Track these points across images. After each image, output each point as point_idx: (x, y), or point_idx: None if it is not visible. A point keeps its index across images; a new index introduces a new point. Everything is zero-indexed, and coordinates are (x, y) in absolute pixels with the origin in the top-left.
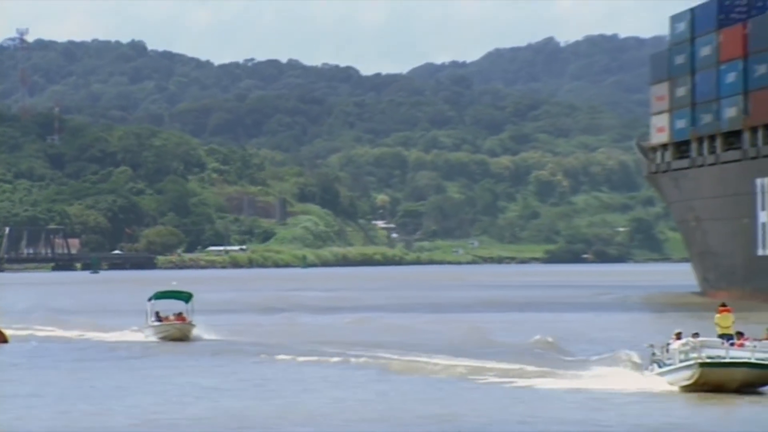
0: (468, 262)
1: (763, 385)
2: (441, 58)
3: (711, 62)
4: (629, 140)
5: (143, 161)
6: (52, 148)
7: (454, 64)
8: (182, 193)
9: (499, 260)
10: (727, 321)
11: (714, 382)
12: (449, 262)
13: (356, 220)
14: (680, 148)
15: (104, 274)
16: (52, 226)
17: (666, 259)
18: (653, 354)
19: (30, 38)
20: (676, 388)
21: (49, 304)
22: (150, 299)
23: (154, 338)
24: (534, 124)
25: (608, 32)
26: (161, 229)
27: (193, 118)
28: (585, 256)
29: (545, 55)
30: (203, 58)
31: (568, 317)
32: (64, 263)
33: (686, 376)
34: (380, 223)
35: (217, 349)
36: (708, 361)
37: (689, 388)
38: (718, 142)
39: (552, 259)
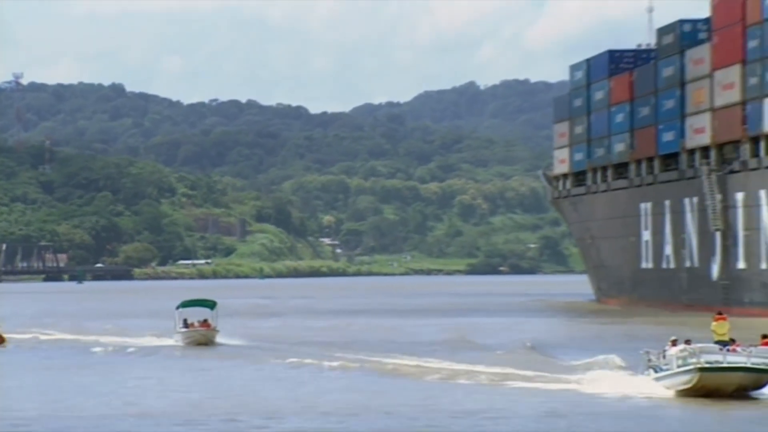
0: (402, 274)
1: (757, 388)
2: (378, 99)
3: (603, 105)
4: (538, 170)
5: (122, 187)
6: (44, 176)
7: (390, 104)
8: (156, 214)
9: (428, 272)
10: (723, 328)
11: (712, 386)
12: (385, 274)
13: (306, 238)
14: (578, 177)
15: (88, 285)
16: (43, 242)
17: (570, 271)
18: (649, 360)
19: (24, 81)
20: (671, 393)
21: (61, 311)
22: (177, 307)
23: (181, 343)
24: (458, 156)
25: (521, 77)
26: (137, 246)
27: (165, 150)
28: (501, 268)
29: (467, 96)
30: (174, 98)
31: (484, 320)
32: (53, 275)
33: (685, 381)
34: (326, 240)
35: (238, 352)
36: (707, 366)
37: (687, 392)
38: (609, 172)
39: (473, 271)
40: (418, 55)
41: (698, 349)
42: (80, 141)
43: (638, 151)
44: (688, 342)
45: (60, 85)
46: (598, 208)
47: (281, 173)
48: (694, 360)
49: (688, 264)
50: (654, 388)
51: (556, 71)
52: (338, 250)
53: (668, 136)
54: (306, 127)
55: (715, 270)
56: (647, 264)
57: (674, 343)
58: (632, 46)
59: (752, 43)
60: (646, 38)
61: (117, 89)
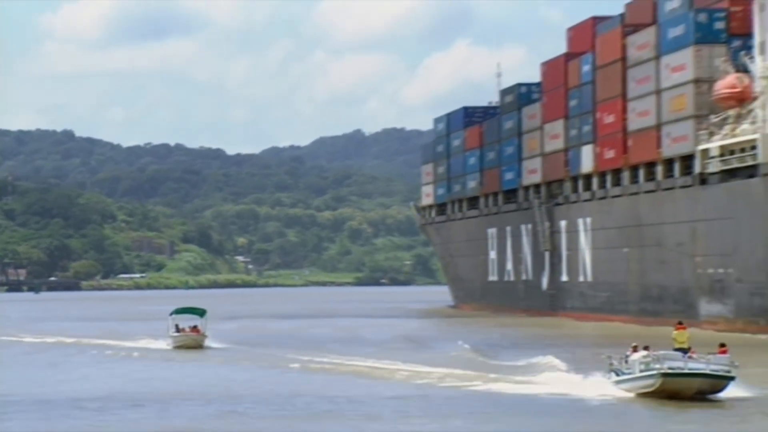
0: (302, 285)
1: (714, 393)
2: (283, 143)
3: (459, 150)
4: (410, 201)
5: (72, 214)
6: (7, 206)
7: (292, 147)
8: (100, 236)
9: (324, 284)
10: (683, 337)
11: (674, 390)
12: (289, 285)
13: (223, 256)
14: (440, 207)
15: (43, 294)
16: (6, 260)
17: (437, 282)
18: (611, 364)
19: None
20: (632, 395)
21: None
22: (171, 314)
23: (173, 346)
24: (347, 189)
25: (398, 126)
26: (85, 262)
27: (108, 184)
28: (382, 280)
29: (355, 141)
30: (115, 142)
31: (362, 321)
32: (14, 286)
33: (648, 384)
34: (240, 258)
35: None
36: (670, 371)
37: (649, 395)
38: (464, 204)
39: (359, 282)
40: (316, 108)
41: (661, 355)
42: (37, 177)
43: (486, 188)
44: (647, 348)
45: (21, 131)
46: (455, 233)
47: (203, 203)
48: (657, 366)
49: (524, 277)
50: (614, 390)
51: (426, 122)
52: (250, 266)
53: (509, 176)
54: (224, 165)
55: (545, 282)
56: (493, 277)
57: (635, 349)
58: (484, 103)
59: (573, 102)
60: (494, 97)
61: (68, 134)
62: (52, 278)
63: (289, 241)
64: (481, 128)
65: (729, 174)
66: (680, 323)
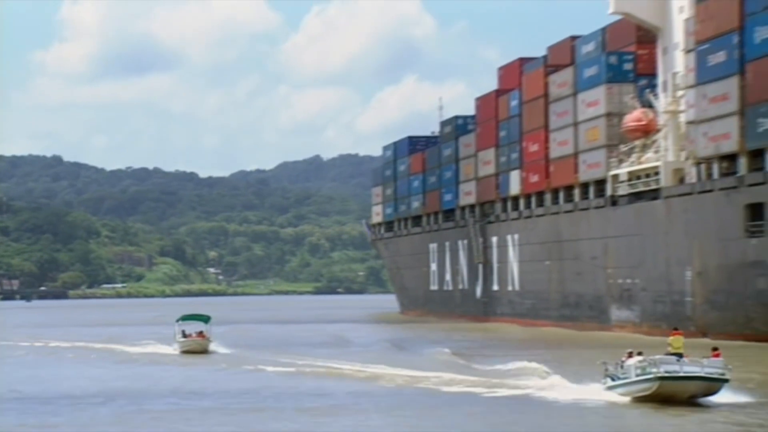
0: (267, 294)
1: (708, 395)
2: (250, 167)
3: (405, 174)
4: (363, 219)
5: (60, 231)
6: (2, 223)
7: (258, 171)
8: (86, 250)
9: (286, 293)
10: (678, 342)
11: (670, 393)
12: (255, 294)
13: (196, 268)
14: (389, 225)
15: (34, 302)
16: (0, 272)
17: (387, 291)
18: (606, 369)
19: None
20: (628, 399)
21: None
22: (177, 320)
23: (179, 351)
24: (307, 209)
25: (353, 152)
26: (72, 274)
27: (92, 204)
28: (338, 290)
29: (315, 165)
30: (100, 166)
31: (326, 327)
32: (8, 295)
33: (645, 388)
34: (211, 270)
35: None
36: (666, 375)
37: (646, 399)
38: (409, 222)
39: (318, 291)
40: (280, 136)
41: (657, 359)
42: (29, 197)
43: (428, 207)
44: (640, 354)
45: (14, 156)
46: (401, 247)
47: (178, 221)
48: (654, 369)
49: (461, 287)
50: (609, 395)
51: (377, 149)
52: (220, 277)
53: (448, 197)
54: (197, 187)
55: (479, 291)
56: (434, 287)
57: (630, 354)
58: (428, 133)
59: (502, 133)
60: (436, 128)
61: (57, 159)
62: (42, 288)
63: (255, 254)
64: (423, 155)
65: (636, 196)
66: (676, 329)
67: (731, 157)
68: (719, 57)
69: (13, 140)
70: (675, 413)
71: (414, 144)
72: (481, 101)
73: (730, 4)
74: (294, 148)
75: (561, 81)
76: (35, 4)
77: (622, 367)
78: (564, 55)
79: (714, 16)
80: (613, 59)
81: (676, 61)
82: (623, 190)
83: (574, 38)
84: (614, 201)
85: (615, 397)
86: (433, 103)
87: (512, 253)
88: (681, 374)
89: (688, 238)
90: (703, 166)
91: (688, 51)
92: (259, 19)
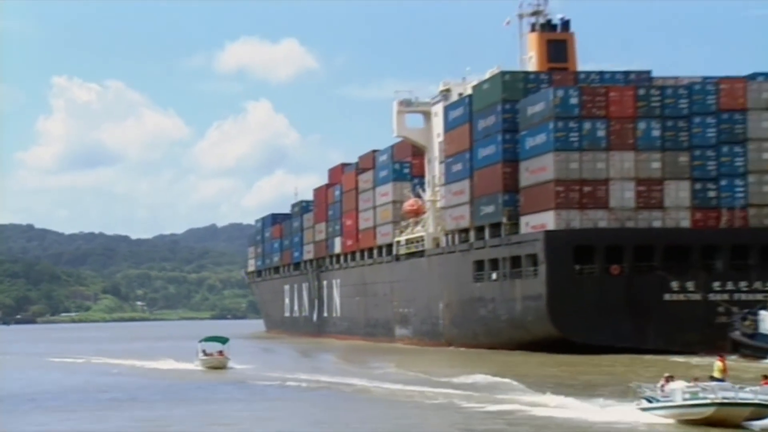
0: (178, 319)
1: (755, 420)
2: (167, 231)
3: (270, 239)
4: (243, 269)
5: (31, 276)
6: None
7: (173, 234)
8: (49, 289)
9: (192, 319)
10: (721, 368)
11: (724, 418)
12: (170, 320)
13: (128, 302)
14: (259, 273)
15: (12, 326)
16: None
17: (260, 317)
18: (642, 392)
19: None
20: (670, 421)
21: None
22: (200, 341)
23: (201, 368)
24: (207, 260)
25: (239, 222)
26: (39, 306)
27: (54, 257)
28: (228, 316)
29: (212, 231)
30: (60, 231)
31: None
32: None
33: (697, 412)
34: (139, 303)
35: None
36: (725, 401)
37: (695, 422)
38: (272, 271)
39: (214, 317)
40: (189, 210)
41: (715, 386)
42: (9, 253)
43: (284, 261)
44: (671, 378)
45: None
46: (266, 288)
47: (116, 269)
48: (712, 395)
49: (304, 314)
50: (646, 416)
51: (254, 220)
52: (145, 308)
53: (296, 254)
54: (130, 245)
55: (315, 316)
56: (287, 314)
57: (669, 379)
58: (286, 211)
59: (330, 212)
60: (289, 208)
61: (30, 226)
62: (18, 316)
63: (170, 292)
64: (281, 226)
65: (410, 255)
66: (721, 356)
67: (465, 231)
68: (458, 166)
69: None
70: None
71: (275, 218)
72: (317, 191)
73: (464, 134)
74: (198, 218)
75: (366, 179)
76: (19, 119)
77: (662, 390)
78: (368, 162)
79: (455, 141)
80: (397, 166)
81: (435, 168)
82: (403, 250)
83: (374, 151)
84: (397, 258)
85: (654, 418)
86: (292, 190)
87: (336, 292)
88: (738, 401)
89: (440, 282)
90: (449, 236)
91: (441, 162)
92: (177, 130)
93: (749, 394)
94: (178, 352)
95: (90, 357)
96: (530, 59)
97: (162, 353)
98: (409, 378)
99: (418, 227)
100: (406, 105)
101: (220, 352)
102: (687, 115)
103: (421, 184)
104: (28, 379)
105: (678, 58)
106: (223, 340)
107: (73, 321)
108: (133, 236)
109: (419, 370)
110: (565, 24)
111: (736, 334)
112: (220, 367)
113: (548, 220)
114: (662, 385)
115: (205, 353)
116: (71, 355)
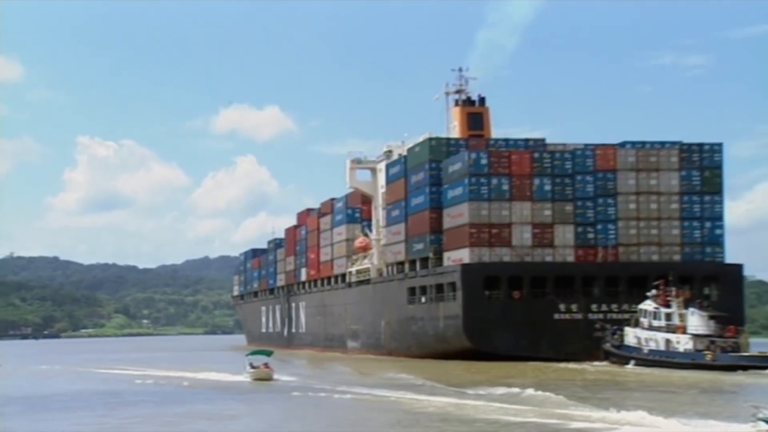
0: (177, 335)
1: None
2: (169, 262)
3: (251, 269)
4: (230, 293)
5: (56, 299)
6: (23, 295)
7: (173, 265)
8: (71, 310)
9: (188, 334)
10: None
11: None
12: (171, 335)
13: (136, 320)
14: (242, 297)
15: (41, 341)
16: (21, 323)
17: (243, 333)
18: (759, 411)
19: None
20: None
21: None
22: (247, 355)
23: (249, 379)
24: (201, 286)
25: (228, 254)
26: (62, 324)
27: (76, 284)
28: (218, 332)
29: (206, 262)
30: (80, 261)
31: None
32: (25, 336)
33: None
34: (145, 321)
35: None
36: None
37: None
38: (252, 296)
39: (207, 332)
40: (187, 245)
41: None
42: (39, 281)
43: (261, 287)
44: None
45: (31, 257)
46: (248, 309)
47: (126, 293)
48: None
49: (277, 330)
50: None
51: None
52: (150, 325)
53: (271, 282)
54: (138, 274)
55: (285, 332)
56: (264, 330)
57: None
58: (264, 246)
59: (298, 247)
60: (266, 244)
61: (56, 258)
62: (45, 332)
63: (171, 312)
64: (260, 259)
65: (359, 282)
66: None
67: (402, 264)
68: (396, 212)
69: (31, 248)
70: None
71: (255, 252)
72: (288, 230)
73: (401, 187)
74: (194, 251)
75: (325, 221)
76: (50, 170)
77: None
78: (328, 207)
79: (394, 192)
80: (350, 211)
81: (379, 213)
82: (354, 279)
83: (333, 199)
84: (350, 285)
85: None
86: (271, 229)
87: (302, 312)
88: None
89: (382, 305)
90: (389, 268)
91: (383, 208)
92: (178, 179)
93: None
94: (218, 363)
95: (143, 369)
96: (454, 127)
97: (203, 364)
98: (360, 380)
99: (366, 260)
100: (357, 162)
101: (266, 365)
102: (572, 174)
103: (369, 226)
104: (102, 389)
105: (569, 127)
106: (268, 353)
107: (90, 336)
108: (141, 266)
109: (365, 373)
110: (482, 100)
111: (608, 346)
112: (267, 378)
113: (464, 255)
114: None
115: (252, 366)
116: (122, 367)
